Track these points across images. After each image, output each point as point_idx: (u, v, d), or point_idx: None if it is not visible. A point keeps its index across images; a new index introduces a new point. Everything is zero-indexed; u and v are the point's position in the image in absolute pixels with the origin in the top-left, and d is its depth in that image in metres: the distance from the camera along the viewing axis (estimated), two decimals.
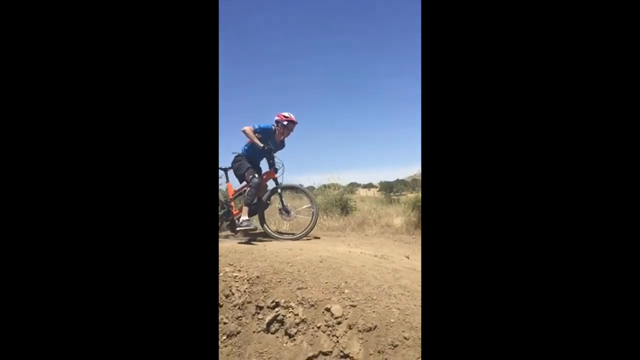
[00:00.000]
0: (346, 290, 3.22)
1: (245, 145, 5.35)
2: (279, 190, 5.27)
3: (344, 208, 9.62)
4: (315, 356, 2.70)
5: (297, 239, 5.32)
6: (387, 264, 4.04)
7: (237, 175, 5.30)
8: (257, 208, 5.20)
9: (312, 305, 3.04)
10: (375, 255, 4.41)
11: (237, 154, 5.39)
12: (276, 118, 5.34)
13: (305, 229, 5.38)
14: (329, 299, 3.09)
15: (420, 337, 2.59)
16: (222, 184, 5.44)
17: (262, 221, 5.37)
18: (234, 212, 5.27)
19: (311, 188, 11.28)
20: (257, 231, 5.32)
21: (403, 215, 8.43)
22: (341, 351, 2.68)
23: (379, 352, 2.63)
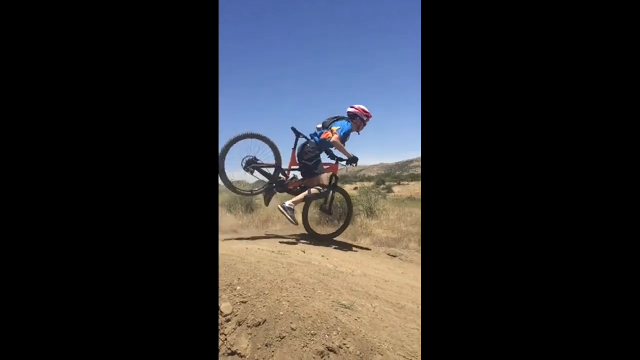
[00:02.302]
0: (238, 287, 3.20)
1: (317, 137, 5.03)
2: (332, 191, 5.17)
3: (249, 206, 9.51)
4: None
5: (334, 236, 5.41)
6: (283, 259, 4.12)
7: (304, 162, 4.96)
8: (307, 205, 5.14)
9: None
10: (273, 251, 4.46)
11: (308, 140, 5.07)
12: (353, 110, 5.10)
13: (341, 227, 5.53)
14: (220, 297, 3.03)
15: (306, 327, 2.72)
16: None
17: (306, 218, 5.29)
18: (292, 184, 5.04)
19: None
20: (291, 225, 5.08)
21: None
22: (229, 349, 2.66)
23: (266, 345, 2.67)
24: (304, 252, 4.64)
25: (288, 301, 3.03)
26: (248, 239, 5.17)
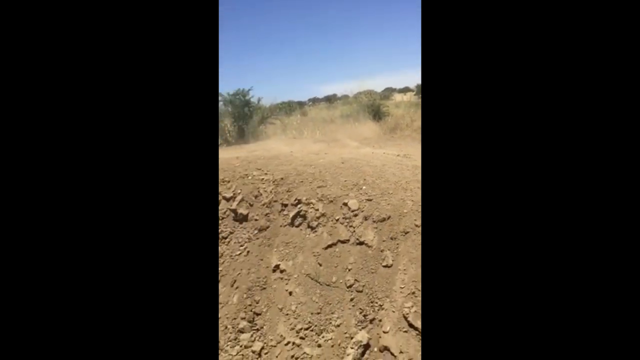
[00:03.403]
0: (364, 187, 3.37)
1: None
2: None
3: (377, 114, 9.43)
4: (334, 244, 2.98)
5: None
6: (408, 162, 4.08)
7: None
8: None
9: (331, 201, 3.25)
10: (398, 155, 4.44)
11: None
12: None
13: None
14: (347, 194, 3.28)
15: None
16: None
17: None
18: None
19: (345, 97, 11.05)
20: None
21: None
22: (357, 239, 2.93)
23: (391, 238, 2.84)
24: None
25: (412, 200, 3.08)
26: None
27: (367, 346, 2.23)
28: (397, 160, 4.18)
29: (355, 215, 3.09)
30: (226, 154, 5.20)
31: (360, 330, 2.33)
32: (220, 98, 8.05)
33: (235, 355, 2.61)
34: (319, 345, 2.39)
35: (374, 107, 9.44)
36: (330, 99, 14.49)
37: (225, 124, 7.95)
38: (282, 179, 3.67)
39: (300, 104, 13.73)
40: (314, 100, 15.14)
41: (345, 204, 3.18)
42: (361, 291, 2.57)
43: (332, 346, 2.34)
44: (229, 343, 2.72)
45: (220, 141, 8.05)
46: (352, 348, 2.22)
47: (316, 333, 2.48)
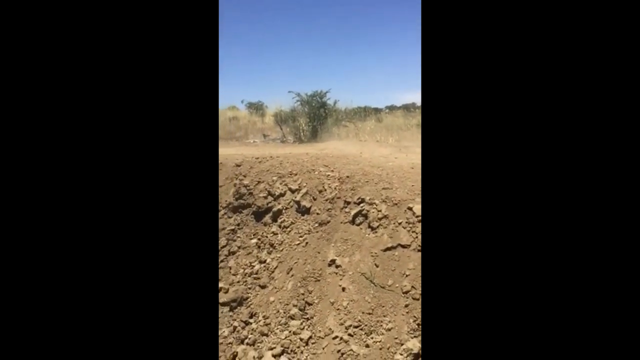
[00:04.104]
0: None
1: None
2: None
3: None
4: (394, 247, 2.89)
5: None
6: None
7: None
8: None
9: (395, 204, 3.16)
10: None
11: None
12: None
13: None
14: (413, 199, 3.15)
15: None
16: None
17: None
18: None
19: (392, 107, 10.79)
20: None
21: None
22: (419, 245, 2.80)
23: None
24: None
25: None
26: None
27: (417, 355, 2.11)
28: None
29: (420, 221, 2.95)
30: (297, 151, 5.37)
31: (412, 338, 2.22)
32: (297, 98, 8.36)
33: (283, 339, 2.67)
34: (367, 346, 2.32)
35: None
36: (408, 108, 14.12)
37: (300, 123, 8.22)
38: (347, 177, 3.67)
39: (377, 110, 13.60)
40: (391, 108, 14.87)
41: (410, 209, 3.06)
42: (417, 299, 2.44)
43: (381, 349, 2.26)
44: (279, 327, 2.78)
45: (293, 139, 8.34)
46: (401, 354, 2.12)
47: (365, 333, 2.41)
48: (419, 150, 5.82)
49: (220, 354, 3.02)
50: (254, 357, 2.79)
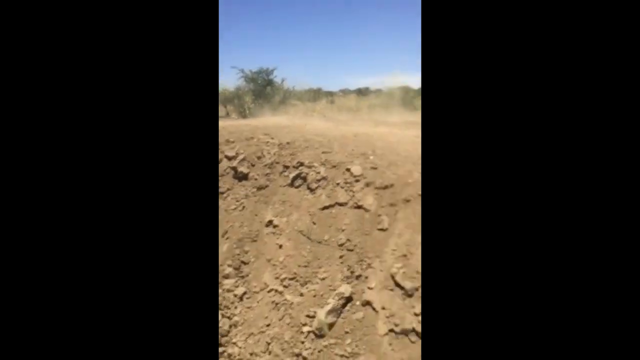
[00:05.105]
0: (371, 157, 3.27)
1: None
2: None
3: (409, 107, 9.30)
4: (331, 205, 2.90)
5: None
6: None
7: None
8: None
9: (334, 166, 3.17)
10: (417, 136, 4.31)
11: None
12: None
13: None
14: (352, 162, 3.18)
15: None
16: None
17: None
18: None
19: (378, 91, 10.99)
20: None
21: None
22: (355, 203, 2.83)
23: (391, 204, 2.73)
24: None
25: (419, 172, 2.96)
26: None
27: (349, 299, 2.14)
28: (415, 140, 4.05)
29: (357, 181, 2.99)
30: (237, 123, 5.20)
31: (345, 284, 2.24)
32: (242, 74, 8.10)
33: None
34: (301, 295, 2.31)
35: (407, 101, 9.30)
36: (362, 92, 14.16)
37: (246, 100, 7.98)
38: (288, 143, 3.62)
39: (330, 93, 13.50)
40: (345, 92, 14.86)
41: (348, 170, 3.09)
42: (352, 250, 2.47)
43: (314, 296, 2.26)
44: None
45: (236, 116, 8.09)
46: (333, 299, 2.13)
47: (300, 284, 2.40)
48: (369, 125, 5.91)
49: None
50: None
